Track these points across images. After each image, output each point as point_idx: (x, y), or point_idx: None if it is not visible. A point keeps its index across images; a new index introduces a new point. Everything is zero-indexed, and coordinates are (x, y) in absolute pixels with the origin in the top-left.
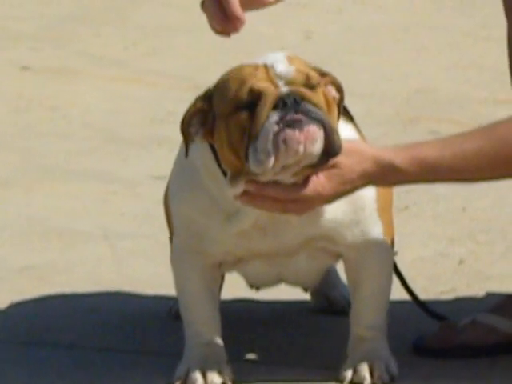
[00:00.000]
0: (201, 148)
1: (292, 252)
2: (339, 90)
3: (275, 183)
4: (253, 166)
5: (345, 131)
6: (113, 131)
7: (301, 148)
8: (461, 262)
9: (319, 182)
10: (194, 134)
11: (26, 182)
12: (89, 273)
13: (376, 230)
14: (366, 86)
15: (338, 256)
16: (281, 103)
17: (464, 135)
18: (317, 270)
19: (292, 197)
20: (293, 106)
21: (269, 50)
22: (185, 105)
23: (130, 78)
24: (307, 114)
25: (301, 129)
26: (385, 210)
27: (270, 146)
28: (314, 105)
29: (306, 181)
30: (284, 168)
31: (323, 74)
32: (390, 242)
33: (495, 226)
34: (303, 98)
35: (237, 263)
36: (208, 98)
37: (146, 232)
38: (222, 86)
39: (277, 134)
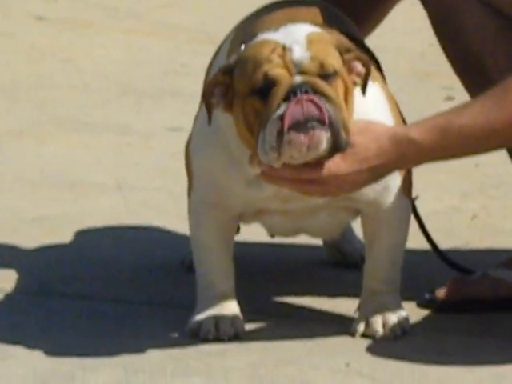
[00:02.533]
0: (227, 114)
1: (313, 211)
2: (365, 64)
3: (289, 165)
4: (260, 154)
5: (371, 91)
6: (127, 83)
7: (304, 149)
8: (474, 216)
9: (334, 161)
10: (216, 105)
11: (40, 133)
12: (101, 224)
13: (396, 186)
14: (380, 41)
15: (358, 212)
16: (292, 95)
17: (470, 100)
18: (336, 225)
19: (306, 177)
20: None
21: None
22: (199, 57)
23: (144, 31)
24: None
25: (306, 132)
26: None
27: (274, 142)
28: (326, 97)
29: (320, 162)
30: (292, 158)
31: (348, 50)
32: (408, 197)
33: (507, 181)
34: (315, 90)
35: (257, 215)
36: (229, 71)
37: (159, 184)
38: (241, 64)
39: (282, 133)
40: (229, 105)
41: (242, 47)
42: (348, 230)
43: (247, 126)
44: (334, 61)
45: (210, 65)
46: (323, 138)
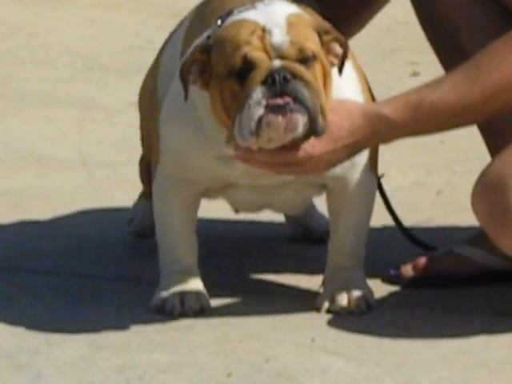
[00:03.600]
0: (203, 92)
1: (280, 186)
2: (343, 45)
3: (265, 149)
4: (237, 137)
5: (343, 70)
6: (92, 58)
7: (282, 132)
8: (438, 192)
9: (308, 142)
10: (193, 82)
11: (5, 108)
12: (66, 199)
13: (363, 162)
14: None
15: (324, 188)
16: (270, 79)
17: (443, 75)
18: (303, 200)
19: (282, 160)
20: (281, 85)
21: None
22: (163, 33)
23: (109, 5)
24: (294, 95)
25: (284, 114)
26: None
27: (252, 125)
28: (304, 82)
29: (295, 144)
30: (269, 141)
31: (327, 32)
32: (374, 173)
33: (472, 157)
34: (294, 75)
35: (224, 189)
36: (207, 50)
37: (123, 159)
38: (219, 44)
39: (260, 116)
40: (205, 83)
41: (219, 22)
42: (310, 206)
43: (224, 107)
44: (312, 44)
45: (167, 41)
46: (300, 120)
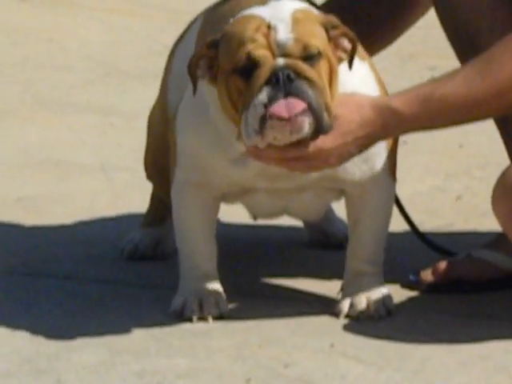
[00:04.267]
0: (212, 87)
1: (298, 190)
2: (351, 40)
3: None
4: (244, 136)
5: (360, 70)
6: (110, 64)
7: (287, 133)
8: (458, 197)
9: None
10: (201, 77)
11: (24, 113)
12: (85, 204)
13: (382, 167)
14: None
15: (342, 193)
16: (274, 78)
17: (454, 69)
18: (321, 205)
19: (292, 155)
20: (285, 84)
21: None
22: None
23: (127, 11)
24: (298, 95)
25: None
26: (390, 147)
27: (257, 126)
28: (308, 80)
29: (304, 140)
30: (274, 140)
31: (334, 27)
32: (393, 178)
33: (491, 162)
34: (298, 74)
35: (242, 194)
36: (215, 45)
37: (142, 164)
38: (225, 40)
39: (264, 117)
40: (214, 78)
41: (231, 21)
42: (329, 211)
43: (231, 102)
44: (318, 41)
45: (175, 47)
46: (305, 122)
